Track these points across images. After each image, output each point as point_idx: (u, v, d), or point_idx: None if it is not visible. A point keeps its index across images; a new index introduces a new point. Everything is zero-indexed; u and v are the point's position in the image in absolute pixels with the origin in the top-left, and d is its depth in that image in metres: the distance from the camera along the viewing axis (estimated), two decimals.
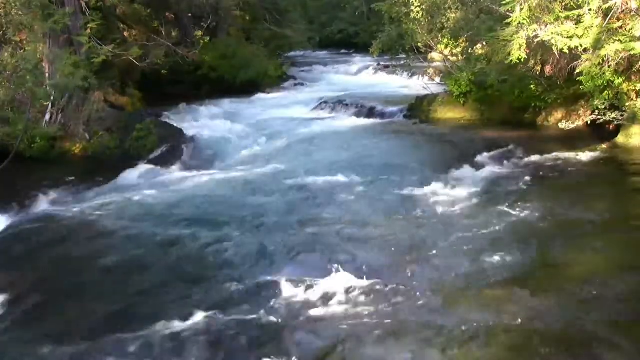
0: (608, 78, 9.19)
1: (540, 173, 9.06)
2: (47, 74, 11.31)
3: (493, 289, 5.55)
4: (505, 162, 9.70)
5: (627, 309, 5.16)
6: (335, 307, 5.37)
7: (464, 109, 13.20)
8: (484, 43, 12.46)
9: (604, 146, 10.01)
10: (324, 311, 5.32)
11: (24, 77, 10.13)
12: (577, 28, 9.25)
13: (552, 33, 9.26)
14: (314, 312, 5.31)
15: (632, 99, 9.79)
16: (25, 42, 11.77)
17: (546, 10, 9.31)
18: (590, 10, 9.14)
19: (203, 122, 13.83)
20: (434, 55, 16.98)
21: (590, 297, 5.34)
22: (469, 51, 13.67)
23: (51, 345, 4.98)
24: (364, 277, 5.78)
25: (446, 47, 14.99)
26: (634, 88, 9.67)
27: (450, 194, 8.20)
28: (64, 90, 11.06)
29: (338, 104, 15.42)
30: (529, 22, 9.30)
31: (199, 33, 14.59)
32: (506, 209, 7.50)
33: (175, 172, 10.27)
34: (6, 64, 10.10)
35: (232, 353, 4.82)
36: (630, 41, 8.79)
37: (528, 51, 9.83)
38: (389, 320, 5.10)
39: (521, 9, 9.25)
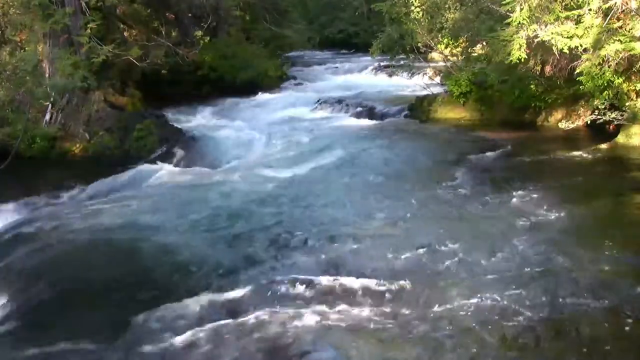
0: (608, 78, 9.18)
1: (541, 173, 9.06)
2: (46, 74, 11.32)
3: (491, 288, 5.55)
4: (505, 162, 9.70)
5: (626, 308, 5.16)
6: (335, 307, 5.37)
7: (464, 109, 13.20)
8: (484, 43, 12.46)
9: (604, 146, 10.00)
10: (323, 313, 5.32)
11: (24, 77, 10.14)
12: (577, 28, 9.25)
13: (552, 33, 9.25)
14: (313, 314, 5.31)
15: (632, 99, 9.79)
16: (24, 42, 11.78)
17: (546, 10, 9.30)
18: (590, 10, 9.13)
19: (203, 122, 13.84)
20: (434, 55, 16.96)
21: (590, 296, 5.34)
22: (469, 51, 13.67)
23: (50, 345, 4.97)
24: (363, 277, 5.77)
25: (446, 47, 14.98)
26: (634, 88, 9.66)
27: (450, 193, 8.20)
28: (63, 91, 11.07)
29: (338, 103, 15.42)
30: (529, 22, 9.29)
31: (199, 33, 14.53)
32: (506, 209, 7.50)
33: (174, 172, 10.26)
34: (5, 63, 10.10)
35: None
36: (630, 41, 8.78)
37: (528, 51, 9.82)
38: (391, 320, 5.10)
39: (521, 9, 9.24)
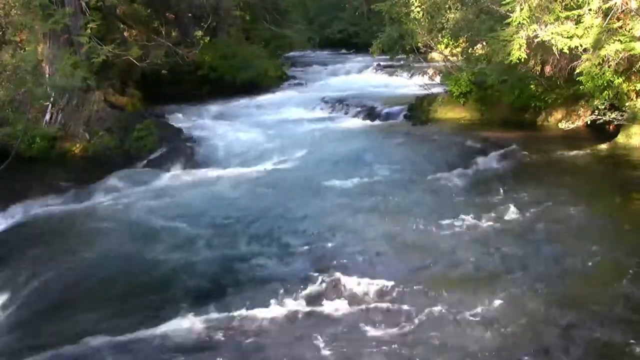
0: (608, 78, 9.18)
1: (541, 173, 9.06)
2: (47, 74, 11.30)
3: (490, 287, 5.55)
4: (505, 162, 9.70)
5: (625, 308, 5.16)
6: (334, 306, 5.38)
7: (464, 109, 13.20)
8: (484, 43, 12.46)
9: (604, 146, 10.00)
10: (322, 311, 5.33)
11: (24, 77, 10.11)
12: (577, 28, 9.25)
13: (552, 33, 9.26)
14: (311, 313, 5.32)
15: (632, 99, 9.79)
16: (25, 42, 11.77)
17: (546, 10, 9.30)
18: (590, 10, 9.14)
19: (203, 122, 13.85)
20: (434, 55, 16.97)
21: (589, 295, 5.35)
22: (469, 51, 13.67)
23: (50, 345, 4.97)
24: (362, 276, 5.78)
25: (446, 47, 14.98)
26: (634, 88, 9.66)
27: (450, 194, 8.20)
28: (63, 90, 11.05)
29: (338, 104, 15.42)
30: (529, 22, 9.29)
31: (199, 33, 14.57)
32: (506, 209, 7.50)
33: (175, 172, 10.26)
34: (6, 64, 10.08)
35: (226, 354, 4.82)
36: (630, 41, 8.78)
37: (528, 51, 9.82)
38: (388, 318, 5.11)
39: (521, 9, 9.24)
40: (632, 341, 4.64)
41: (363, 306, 5.37)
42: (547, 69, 11.00)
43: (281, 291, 5.59)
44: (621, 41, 8.80)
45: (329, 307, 5.39)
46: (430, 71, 16.49)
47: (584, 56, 9.28)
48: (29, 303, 5.84)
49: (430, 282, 5.77)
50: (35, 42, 11.37)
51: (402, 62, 16.56)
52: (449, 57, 14.77)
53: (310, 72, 22.64)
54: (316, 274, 5.84)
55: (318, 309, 5.37)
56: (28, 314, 5.66)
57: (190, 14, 17.96)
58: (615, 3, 8.88)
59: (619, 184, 8.48)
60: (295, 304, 5.43)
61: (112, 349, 4.90)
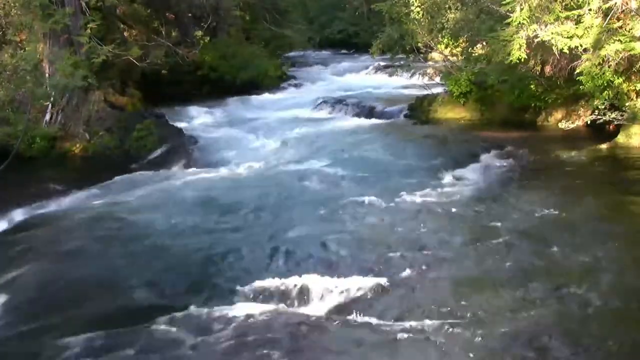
0: (608, 78, 9.19)
1: (541, 173, 9.05)
2: (47, 74, 11.32)
3: (489, 287, 5.55)
4: (505, 162, 9.70)
5: (624, 307, 5.16)
6: (333, 304, 5.39)
7: (464, 109, 13.21)
8: (484, 43, 12.47)
9: (604, 146, 10.01)
10: (320, 309, 5.34)
11: (24, 77, 10.13)
12: (577, 28, 9.26)
13: (552, 33, 9.27)
14: (310, 311, 5.32)
15: (632, 99, 9.79)
16: (25, 42, 11.78)
17: (546, 10, 9.31)
18: (590, 10, 9.15)
19: (203, 122, 13.85)
20: (434, 55, 16.99)
21: (588, 295, 5.35)
22: (469, 51, 13.68)
23: (52, 343, 4.98)
24: (362, 275, 5.79)
25: (446, 47, 15.00)
26: (634, 88, 9.67)
27: (450, 194, 8.19)
28: (63, 90, 11.07)
29: (338, 104, 15.42)
30: (529, 22, 9.30)
31: (199, 33, 14.60)
32: (506, 209, 7.50)
33: (174, 172, 10.26)
34: (6, 64, 10.10)
35: (222, 353, 4.82)
36: (630, 41, 8.79)
37: (528, 51, 9.83)
38: (385, 317, 5.11)
39: (521, 9, 9.25)
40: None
41: (355, 304, 5.38)
42: (547, 69, 11.01)
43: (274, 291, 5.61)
44: (621, 41, 8.81)
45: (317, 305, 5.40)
46: (430, 71, 16.52)
47: (584, 56, 9.29)
48: (28, 302, 5.84)
49: (430, 283, 5.77)
50: (35, 42, 11.39)
51: (402, 62, 16.58)
52: (449, 57, 14.78)
53: (310, 72, 22.63)
54: (306, 277, 5.83)
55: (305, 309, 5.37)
56: (28, 313, 5.65)
57: (190, 14, 17.98)
58: (615, 3, 8.89)
59: (619, 184, 8.48)
60: (280, 305, 5.44)
61: (112, 345, 4.90)
